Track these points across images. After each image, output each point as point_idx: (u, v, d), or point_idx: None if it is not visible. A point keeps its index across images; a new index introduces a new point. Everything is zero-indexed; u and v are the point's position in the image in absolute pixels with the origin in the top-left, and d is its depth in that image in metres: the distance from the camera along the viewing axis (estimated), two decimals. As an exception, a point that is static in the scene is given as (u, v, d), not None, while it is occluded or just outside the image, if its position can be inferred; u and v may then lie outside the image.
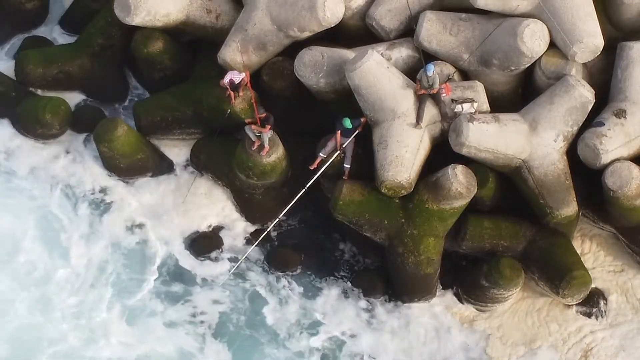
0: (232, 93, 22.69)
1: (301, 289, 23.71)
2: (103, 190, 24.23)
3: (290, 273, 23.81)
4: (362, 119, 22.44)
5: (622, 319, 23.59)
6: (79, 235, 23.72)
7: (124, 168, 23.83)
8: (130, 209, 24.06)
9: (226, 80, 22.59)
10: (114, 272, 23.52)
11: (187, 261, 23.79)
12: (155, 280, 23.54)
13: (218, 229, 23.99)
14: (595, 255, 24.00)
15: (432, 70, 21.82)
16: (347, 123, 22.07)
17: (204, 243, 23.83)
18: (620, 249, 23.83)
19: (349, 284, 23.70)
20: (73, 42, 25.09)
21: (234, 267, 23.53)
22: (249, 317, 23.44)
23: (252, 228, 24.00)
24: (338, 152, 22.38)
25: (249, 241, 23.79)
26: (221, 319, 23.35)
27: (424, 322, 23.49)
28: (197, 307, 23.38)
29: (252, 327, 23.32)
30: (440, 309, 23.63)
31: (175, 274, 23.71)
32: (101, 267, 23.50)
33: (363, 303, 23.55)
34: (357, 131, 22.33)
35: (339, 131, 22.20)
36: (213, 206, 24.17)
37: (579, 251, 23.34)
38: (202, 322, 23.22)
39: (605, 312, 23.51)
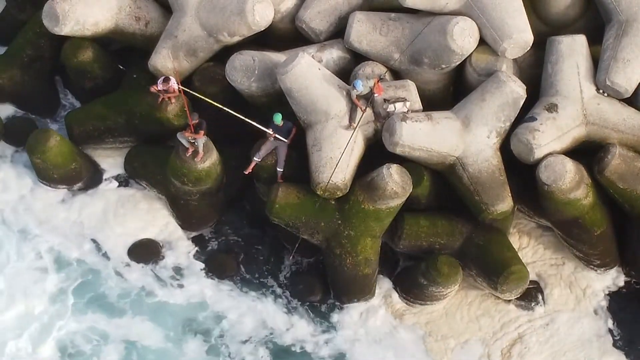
0: (164, 98, 22.54)
1: (241, 294, 23.70)
2: (37, 202, 24.07)
3: (229, 278, 23.73)
4: (294, 129, 22.30)
5: (561, 307, 23.65)
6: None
7: (58, 178, 23.61)
8: (66, 221, 23.90)
9: (159, 86, 22.43)
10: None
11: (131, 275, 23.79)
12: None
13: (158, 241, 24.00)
14: (534, 249, 24.09)
15: (361, 85, 21.77)
16: (278, 119, 21.95)
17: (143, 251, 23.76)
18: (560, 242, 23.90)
19: (287, 287, 23.67)
20: (1, 54, 24.80)
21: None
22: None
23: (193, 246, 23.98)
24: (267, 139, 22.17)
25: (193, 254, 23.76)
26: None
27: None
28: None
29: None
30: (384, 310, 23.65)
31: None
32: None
33: (303, 307, 23.53)
34: (291, 135, 22.24)
35: (271, 129, 22.07)
36: (154, 221, 24.09)
37: (516, 246, 23.38)
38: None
39: (542, 304, 23.60)
